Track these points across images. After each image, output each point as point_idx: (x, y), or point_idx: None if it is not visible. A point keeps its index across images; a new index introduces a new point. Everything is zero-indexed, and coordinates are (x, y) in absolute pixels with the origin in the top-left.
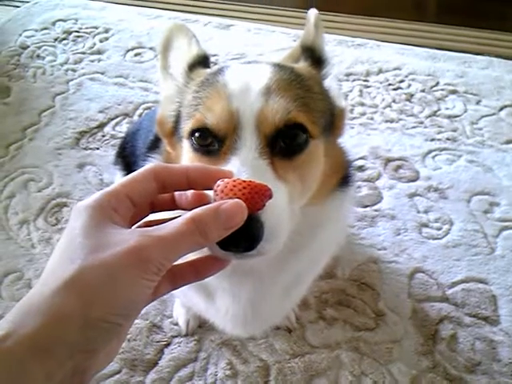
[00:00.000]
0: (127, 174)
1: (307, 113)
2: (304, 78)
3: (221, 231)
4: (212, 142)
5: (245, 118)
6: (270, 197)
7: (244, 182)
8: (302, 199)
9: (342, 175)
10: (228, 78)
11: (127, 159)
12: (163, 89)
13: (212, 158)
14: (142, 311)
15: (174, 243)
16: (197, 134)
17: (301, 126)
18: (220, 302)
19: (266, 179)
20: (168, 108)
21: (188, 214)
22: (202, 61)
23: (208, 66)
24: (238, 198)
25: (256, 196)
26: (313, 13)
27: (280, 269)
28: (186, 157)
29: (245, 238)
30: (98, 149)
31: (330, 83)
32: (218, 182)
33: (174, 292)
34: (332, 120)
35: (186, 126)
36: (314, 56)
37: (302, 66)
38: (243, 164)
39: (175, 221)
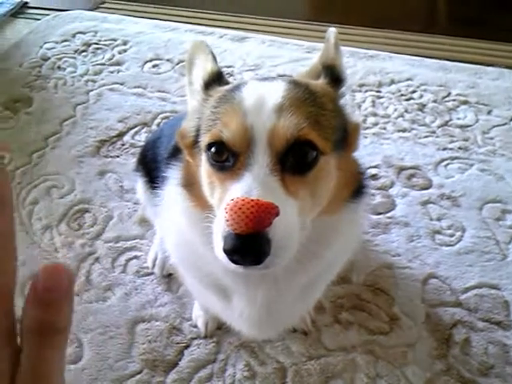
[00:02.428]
0: (148, 180)
1: (319, 130)
2: (318, 96)
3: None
4: (227, 157)
5: (258, 134)
6: (277, 214)
7: (252, 200)
8: (313, 212)
9: (355, 187)
10: (244, 94)
11: (148, 166)
12: (189, 104)
13: (227, 173)
14: (163, 314)
15: None
16: (213, 149)
17: (311, 143)
18: (236, 303)
19: (276, 195)
20: (190, 122)
21: None
22: (217, 78)
23: (223, 82)
24: (246, 216)
25: (263, 214)
26: (332, 32)
27: (295, 274)
28: (204, 168)
29: (252, 253)
30: (118, 157)
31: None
32: (228, 201)
33: (192, 293)
34: (346, 136)
35: (204, 140)
36: (333, 74)
37: (319, 82)
38: (254, 180)
39: None
